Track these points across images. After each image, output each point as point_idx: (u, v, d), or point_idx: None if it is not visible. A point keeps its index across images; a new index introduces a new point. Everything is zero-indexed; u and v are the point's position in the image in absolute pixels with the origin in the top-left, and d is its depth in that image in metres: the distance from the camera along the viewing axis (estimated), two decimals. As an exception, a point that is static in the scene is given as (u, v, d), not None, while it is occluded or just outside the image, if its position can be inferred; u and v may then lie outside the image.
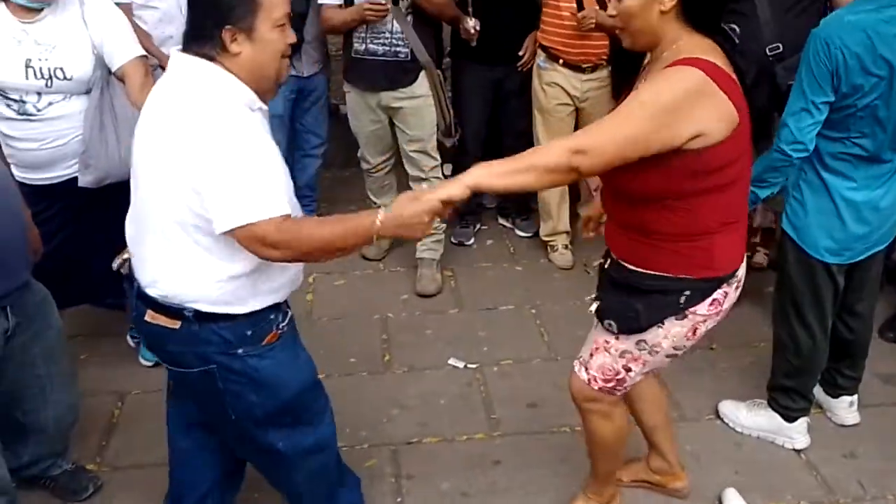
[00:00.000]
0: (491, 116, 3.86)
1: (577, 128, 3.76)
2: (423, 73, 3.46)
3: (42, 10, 2.55)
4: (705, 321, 2.00)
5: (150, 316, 1.85)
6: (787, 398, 2.68)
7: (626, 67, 3.59)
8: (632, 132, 1.75)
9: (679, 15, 1.81)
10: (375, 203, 3.86)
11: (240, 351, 1.86)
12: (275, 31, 1.75)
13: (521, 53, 3.69)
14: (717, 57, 1.80)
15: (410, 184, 3.65)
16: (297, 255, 1.78)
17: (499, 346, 3.29)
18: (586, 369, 2.15)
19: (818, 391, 2.81)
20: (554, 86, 3.63)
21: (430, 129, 3.56)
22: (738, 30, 2.87)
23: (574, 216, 4.01)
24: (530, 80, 3.71)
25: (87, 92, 2.62)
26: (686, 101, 1.74)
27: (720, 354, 3.21)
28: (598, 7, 3.36)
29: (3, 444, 2.19)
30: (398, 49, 3.41)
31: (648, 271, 1.96)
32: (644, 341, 2.02)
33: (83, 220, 2.74)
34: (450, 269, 3.85)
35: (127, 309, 3.15)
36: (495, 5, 3.56)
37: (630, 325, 2.01)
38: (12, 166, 2.60)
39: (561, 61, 3.57)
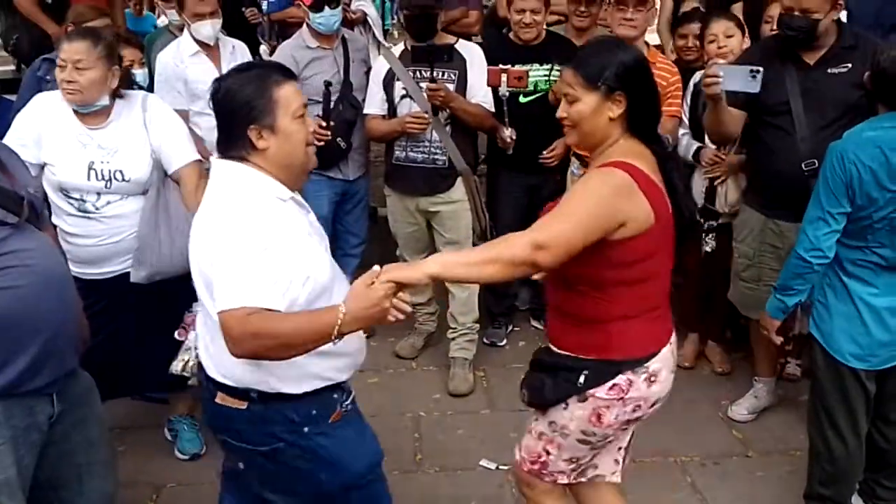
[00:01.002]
0: (525, 221, 3.96)
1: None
2: (459, 179, 3.61)
3: (109, 114, 2.75)
4: (609, 407, 2.03)
5: (219, 398, 1.96)
6: (824, 508, 2.63)
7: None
8: (579, 227, 1.88)
9: (623, 122, 1.99)
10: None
11: (306, 429, 1.94)
12: (295, 122, 1.91)
13: (548, 151, 3.79)
14: (644, 163, 1.98)
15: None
16: (253, 354, 1.81)
17: (530, 448, 3.27)
18: (520, 449, 2.26)
19: (858, 502, 2.74)
20: (586, 192, 3.74)
21: (465, 232, 3.68)
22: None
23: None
24: (563, 186, 3.82)
25: (144, 192, 2.79)
26: (613, 196, 1.92)
27: (756, 462, 3.16)
28: None
29: (39, 534, 2.22)
30: (436, 157, 3.57)
31: (558, 350, 2.09)
32: (554, 422, 2.11)
33: (131, 315, 2.85)
34: (482, 369, 3.87)
35: (170, 402, 3.25)
36: (531, 116, 3.72)
37: (537, 396, 2.12)
38: (68, 261, 2.74)
39: (593, 169, 3.69)
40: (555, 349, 2.12)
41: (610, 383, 2.01)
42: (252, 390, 1.92)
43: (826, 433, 2.55)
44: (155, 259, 2.75)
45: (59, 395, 2.17)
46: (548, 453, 2.15)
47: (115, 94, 2.78)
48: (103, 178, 2.73)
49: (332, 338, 1.77)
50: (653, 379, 2.05)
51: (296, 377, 1.92)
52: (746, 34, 3.45)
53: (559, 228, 1.89)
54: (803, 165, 2.86)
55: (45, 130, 2.74)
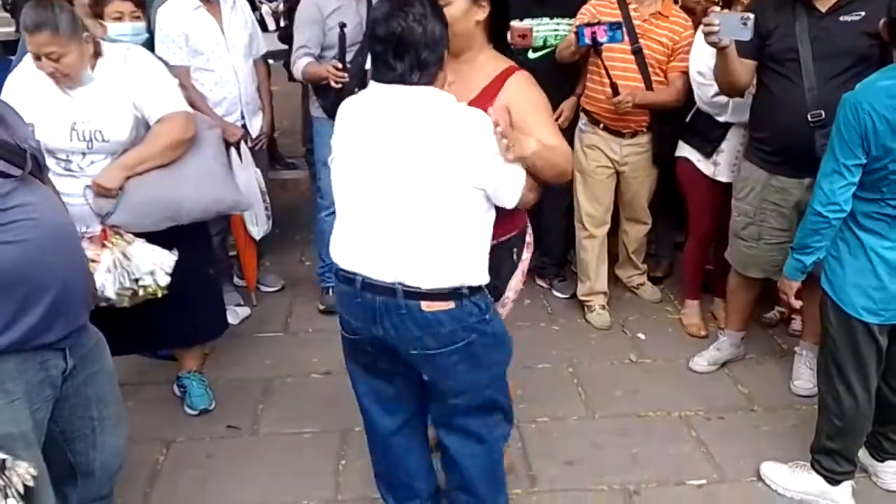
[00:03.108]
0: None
1: (617, 192, 3.86)
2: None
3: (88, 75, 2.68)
4: (525, 261, 2.47)
5: (426, 306, 2.07)
6: (831, 461, 2.65)
7: (667, 134, 3.67)
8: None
9: (484, 29, 2.29)
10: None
11: (487, 316, 2.15)
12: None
13: (556, 115, 3.75)
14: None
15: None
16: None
17: (536, 403, 3.29)
18: None
19: (864, 454, 2.77)
20: (594, 149, 3.71)
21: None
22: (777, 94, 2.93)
23: (612, 277, 4.04)
24: (571, 143, 3.78)
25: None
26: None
27: (762, 417, 3.18)
28: (640, 85, 3.50)
29: (53, 487, 2.24)
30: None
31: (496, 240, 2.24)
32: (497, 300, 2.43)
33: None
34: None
35: (179, 359, 3.26)
36: (540, 72, 3.57)
37: (496, 295, 2.37)
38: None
39: (602, 125, 3.66)
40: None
41: (526, 244, 2.44)
42: (463, 286, 2.08)
43: (836, 387, 2.55)
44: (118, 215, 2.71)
45: (72, 350, 2.18)
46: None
47: (95, 54, 2.70)
48: (85, 139, 2.68)
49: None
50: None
51: (483, 267, 2.13)
52: None
53: (559, 135, 2.25)
54: (809, 117, 2.81)
55: (31, 92, 2.66)
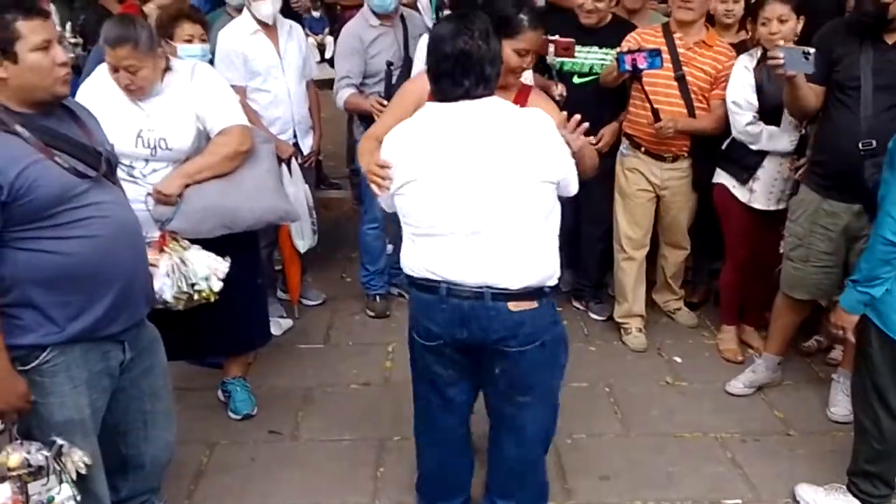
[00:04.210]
0: (574, 204, 3.97)
1: (657, 216, 3.91)
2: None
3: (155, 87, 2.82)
4: None
5: (513, 306, 2.16)
6: (869, 484, 2.64)
7: (706, 159, 3.72)
8: None
9: None
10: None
11: (557, 318, 2.31)
12: None
13: (596, 140, 3.80)
14: None
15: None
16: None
17: (571, 420, 3.29)
18: None
19: (901, 480, 2.76)
20: (635, 172, 3.77)
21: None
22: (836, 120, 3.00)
23: (648, 302, 4.07)
24: (612, 167, 3.84)
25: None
26: None
27: (797, 440, 3.18)
28: (683, 111, 3.58)
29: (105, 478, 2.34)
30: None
31: None
32: None
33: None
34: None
35: (224, 367, 3.37)
36: (585, 98, 3.64)
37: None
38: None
39: (643, 149, 3.72)
40: None
41: None
42: (546, 286, 2.20)
43: (877, 412, 2.56)
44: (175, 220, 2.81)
45: (131, 343, 2.29)
46: None
47: (165, 68, 2.84)
48: (149, 146, 2.81)
49: None
50: None
51: (557, 266, 2.25)
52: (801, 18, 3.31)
53: None
54: (860, 145, 2.86)
55: (102, 99, 2.77)
